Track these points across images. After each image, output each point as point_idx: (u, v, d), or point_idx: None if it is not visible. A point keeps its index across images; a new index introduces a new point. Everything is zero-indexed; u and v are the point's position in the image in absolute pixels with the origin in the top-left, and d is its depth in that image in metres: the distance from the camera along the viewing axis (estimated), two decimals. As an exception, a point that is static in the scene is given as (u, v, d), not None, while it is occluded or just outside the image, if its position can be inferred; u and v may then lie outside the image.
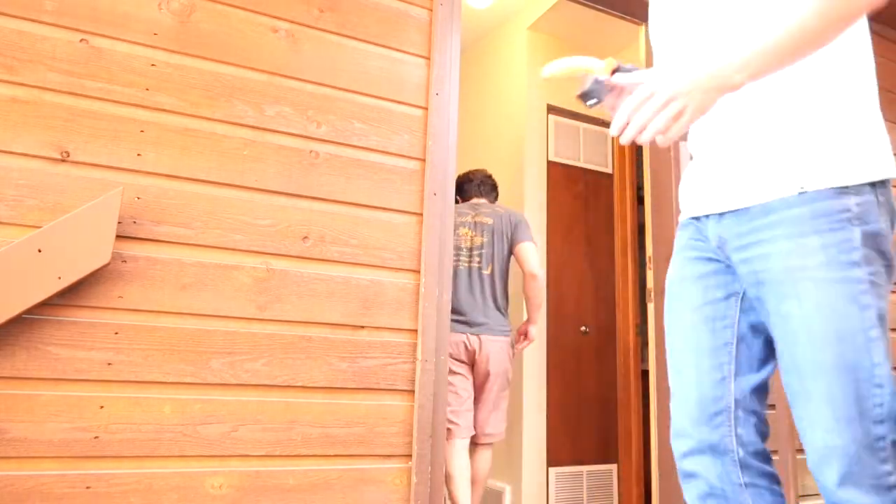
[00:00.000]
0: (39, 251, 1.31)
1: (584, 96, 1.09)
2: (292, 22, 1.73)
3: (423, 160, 1.83)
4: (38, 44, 1.45)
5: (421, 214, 1.79)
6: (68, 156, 1.44)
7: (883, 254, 0.89)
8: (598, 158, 3.58)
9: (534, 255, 2.69)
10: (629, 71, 1.08)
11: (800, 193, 0.92)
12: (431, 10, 1.93)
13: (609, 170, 3.60)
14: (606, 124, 3.63)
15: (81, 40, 1.50)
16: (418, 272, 1.76)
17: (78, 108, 1.47)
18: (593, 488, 3.21)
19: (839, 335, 0.88)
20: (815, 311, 0.89)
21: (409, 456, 1.67)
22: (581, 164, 3.52)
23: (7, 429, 1.31)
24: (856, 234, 0.89)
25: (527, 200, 3.30)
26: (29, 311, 1.32)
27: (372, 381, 1.66)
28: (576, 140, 3.52)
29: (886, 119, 3.06)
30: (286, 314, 1.59)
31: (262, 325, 1.57)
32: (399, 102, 1.83)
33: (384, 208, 1.76)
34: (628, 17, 2.48)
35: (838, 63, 0.96)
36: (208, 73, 1.61)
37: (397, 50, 1.86)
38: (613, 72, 1.08)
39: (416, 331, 1.73)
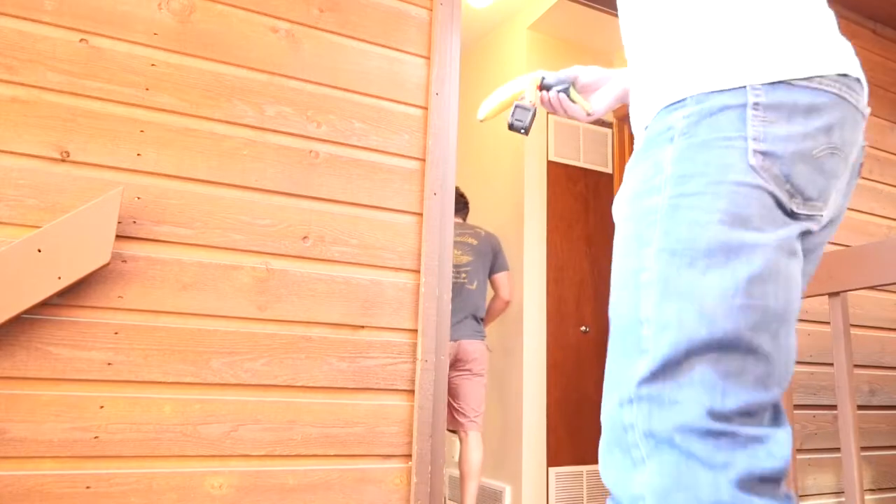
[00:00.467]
0: (39, 251, 1.31)
1: (511, 128, 1.05)
2: (292, 22, 1.73)
3: (423, 160, 1.83)
4: (38, 44, 1.45)
5: (421, 214, 1.80)
6: (68, 156, 1.44)
7: (724, 166, 0.65)
8: (598, 158, 3.58)
9: (508, 283, 3.07)
10: (560, 80, 1.07)
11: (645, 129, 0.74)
12: (431, 10, 1.93)
13: (609, 170, 3.59)
14: (606, 124, 3.63)
15: (81, 40, 1.50)
16: (418, 272, 1.76)
17: (78, 108, 1.47)
18: (593, 488, 3.21)
19: (616, 285, 0.70)
20: (613, 259, 0.73)
21: (409, 456, 1.67)
22: (581, 164, 3.52)
23: (7, 429, 1.31)
24: (668, 152, 0.68)
25: (527, 200, 3.30)
26: (29, 311, 1.32)
27: (372, 381, 1.66)
28: (576, 140, 3.52)
29: (884, 118, 3.04)
30: (286, 314, 1.59)
31: (262, 325, 1.57)
32: (399, 102, 1.83)
33: (384, 208, 1.76)
34: (628, 17, 2.48)
35: None
36: (208, 73, 1.61)
37: (397, 50, 1.86)
38: (540, 87, 1.06)
39: (416, 331, 1.73)
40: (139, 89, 1.53)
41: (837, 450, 2.38)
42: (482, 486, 3.24)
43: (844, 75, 0.68)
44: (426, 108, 1.86)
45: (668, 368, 0.61)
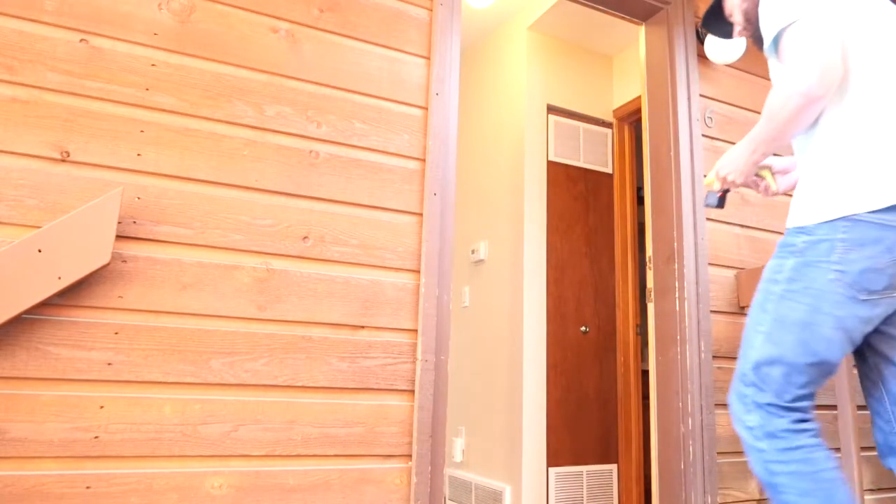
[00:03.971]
0: (39, 251, 1.31)
1: (706, 205, 1.56)
2: (292, 22, 1.73)
3: (423, 160, 1.83)
4: (38, 44, 1.45)
5: (421, 214, 1.80)
6: (68, 156, 1.44)
7: (814, 279, 1.18)
8: (598, 158, 3.58)
9: None
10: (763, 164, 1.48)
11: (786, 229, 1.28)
12: (431, 10, 1.93)
13: (609, 170, 3.59)
14: (606, 124, 3.63)
15: (81, 40, 1.50)
16: (418, 272, 1.76)
17: (78, 108, 1.47)
18: (593, 488, 3.21)
19: (748, 322, 1.29)
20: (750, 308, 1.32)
21: (409, 456, 1.67)
22: (581, 164, 3.52)
23: (7, 429, 1.31)
24: (789, 262, 1.22)
25: (527, 200, 3.30)
26: (29, 311, 1.32)
27: (372, 381, 1.66)
28: (576, 140, 3.52)
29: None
30: (286, 314, 1.59)
31: (262, 325, 1.57)
32: (399, 102, 1.83)
33: (384, 208, 1.76)
34: (628, 17, 2.48)
35: (828, 125, 1.21)
36: (208, 73, 1.61)
37: (397, 50, 1.86)
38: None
39: (416, 331, 1.73)
40: (139, 89, 1.53)
41: (837, 450, 2.37)
42: (482, 485, 3.24)
43: None
44: (426, 108, 1.86)
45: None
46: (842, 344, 1.18)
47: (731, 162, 1.34)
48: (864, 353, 1.32)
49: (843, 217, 1.14)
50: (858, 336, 1.19)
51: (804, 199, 1.21)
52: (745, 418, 1.23)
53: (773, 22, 1.20)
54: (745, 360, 1.25)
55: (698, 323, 2.14)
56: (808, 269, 1.18)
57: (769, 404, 1.20)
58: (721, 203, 1.47)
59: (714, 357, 2.18)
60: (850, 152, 1.15)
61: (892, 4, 1.27)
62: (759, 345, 1.23)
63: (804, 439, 1.17)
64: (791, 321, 1.19)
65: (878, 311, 1.16)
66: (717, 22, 1.59)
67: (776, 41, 1.22)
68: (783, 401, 1.19)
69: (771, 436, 1.18)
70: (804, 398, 1.20)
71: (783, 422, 1.18)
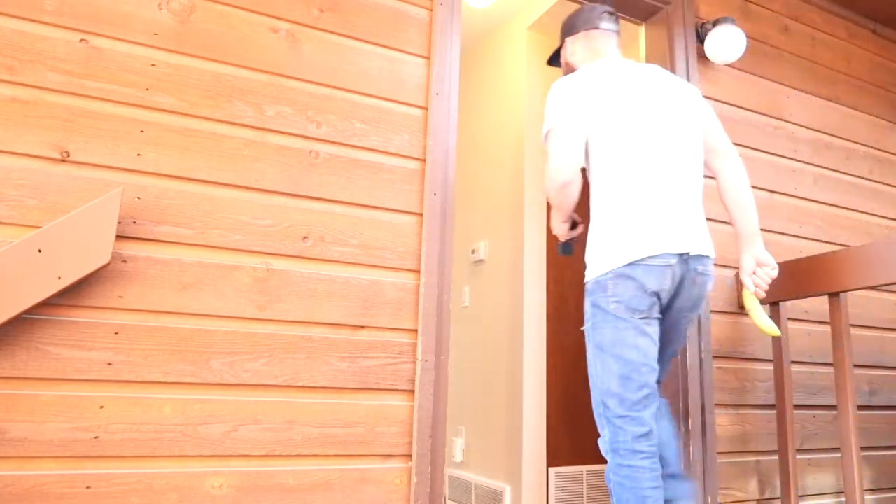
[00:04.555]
0: (39, 251, 1.31)
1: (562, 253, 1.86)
2: (292, 22, 1.73)
3: (423, 160, 1.83)
4: (38, 44, 1.45)
5: (421, 214, 1.80)
6: (68, 156, 1.44)
7: (605, 309, 1.54)
8: (598, 158, 3.57)
9: None
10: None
11: None
12: (431, 10, 1.93)
13: (609, 170, 3.59)
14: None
15: (81, 40, 1.50)
16: (418, 272, 1.76)
17: (78, 108, 1.47)
18: (593, 488, 3.21)
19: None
20: None
21: (409, 456, 1.67)
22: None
23: (7, 429, 1.31)
24: (588, 303, 1.60)
25: (527, 200, 3.30)
26: (29, 311, 1.32)
27: (372, 381, 1.66)
28: (576, 140, 3.51)
29: (884, 118, 3.03)
30: (286, 314, 1.59)
31: (262, 325, 1.57)
32: (399, 102, 1.83)
33: (384, 208, 1.76)
34: (628, 17, 2.48)
35: (593, 207, 1.63)
36: (208, 73, 1.61)
37: (397, 50, 1.86)
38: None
39: (416, 331, 1.73)
40: (139, 89, 1.53)
41: (837, 450, 2.38)
42: (482, 485, 3.24)
43: (653, 256, 1.52)
44: (426, 108, 1.86)
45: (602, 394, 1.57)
46: (646, 347, 1.51)
47: (552, 224, 1.78)
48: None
49: (609, 270, 1.54)
50: (653, 340, 1.53)
51: (589, 259, 1.62)
52: (601, 433, 1.54)
53: (545, 124, 1.63)
54: (593, 385, 1.57)
55: (699, 323, 2.14)
56: (598, 303, 1.56)
57: (616, 416, 1.50)
58: (567, 250, 1.83)
59: (714, 357, 2.18)
60: (604, 229, 1.58)
61: (644, 88, 1.64)
62: (596, 369, 1.56)
63: (636, 461, 1.45)
64: (605, 343, 1.54)
65: (655, 327, 1.54)
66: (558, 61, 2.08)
67: (545, 138, 1.64)
68: (626, 408, 1.49)
69: (614, 451, 1.48)
70: (643, 401, 1.50)
71: (625, 441, 1.47)
